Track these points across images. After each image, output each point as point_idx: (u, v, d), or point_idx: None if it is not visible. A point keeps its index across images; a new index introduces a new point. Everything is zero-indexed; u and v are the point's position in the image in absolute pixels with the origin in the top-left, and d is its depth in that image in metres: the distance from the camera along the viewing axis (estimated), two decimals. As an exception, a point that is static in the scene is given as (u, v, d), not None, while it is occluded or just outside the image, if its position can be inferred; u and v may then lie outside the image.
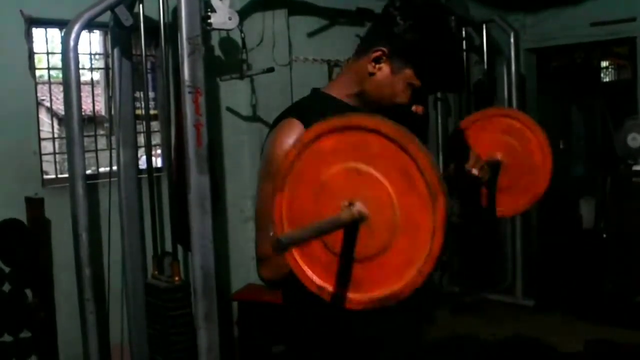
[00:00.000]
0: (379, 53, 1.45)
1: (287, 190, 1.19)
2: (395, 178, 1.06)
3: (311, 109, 1.48)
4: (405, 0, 1.43)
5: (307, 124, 1.38)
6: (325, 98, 1.54)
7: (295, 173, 1.18)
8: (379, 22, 1.52)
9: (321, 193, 1.14)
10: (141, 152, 3.61)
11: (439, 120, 4.90)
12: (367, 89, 1.49)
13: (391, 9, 1.44)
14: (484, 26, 5.11)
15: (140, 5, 3.19)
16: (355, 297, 1.13)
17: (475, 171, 1.62)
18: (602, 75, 7.88)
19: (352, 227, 1.09)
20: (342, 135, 1.11)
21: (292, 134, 1.39)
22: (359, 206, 1.08)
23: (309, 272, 1.17)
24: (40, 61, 3.52)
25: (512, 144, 1.79)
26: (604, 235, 5.27)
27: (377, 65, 1.46)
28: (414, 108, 1.51)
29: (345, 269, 1.14)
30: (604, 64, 7.82)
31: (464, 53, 5.05)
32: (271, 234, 1.35)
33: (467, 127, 1.85)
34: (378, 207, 1.07)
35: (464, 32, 5.02)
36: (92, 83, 3.79)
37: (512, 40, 5.02)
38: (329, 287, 1.15)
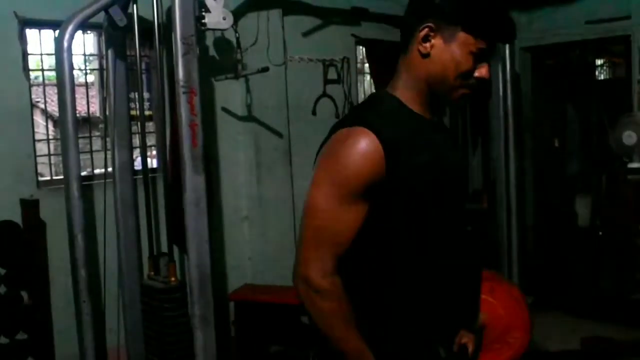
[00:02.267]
0: (425, 30, 1.43)
1: None
2: None
3: (381, 117, 1.43)
4: None
5: (378, 134, 1.37)
6: (392, 103, 1.50)
7: None
8: (414, 4, 1.50)
9: None
10: (136, 152, 3.60)
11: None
12: (431, 73, 1.46)
13: None
14: (479, 25, 5.09)
15: (134, 6, 3.18)
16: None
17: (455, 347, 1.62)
18: (597, 73, 7.87)
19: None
20: None
21: (363, 145, 1.36)
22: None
23: None
24: (37, 64, 3.51)
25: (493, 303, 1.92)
26: (600, 233, 5.27)
27: (429, 44, 1.44)
28: (477, 73, 1.48)
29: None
30: (598, 62, 7.82)
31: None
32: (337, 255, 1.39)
33: None
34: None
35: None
36: (86, 84, 3.78)
37: (506, 38, 5.02)
38: None
